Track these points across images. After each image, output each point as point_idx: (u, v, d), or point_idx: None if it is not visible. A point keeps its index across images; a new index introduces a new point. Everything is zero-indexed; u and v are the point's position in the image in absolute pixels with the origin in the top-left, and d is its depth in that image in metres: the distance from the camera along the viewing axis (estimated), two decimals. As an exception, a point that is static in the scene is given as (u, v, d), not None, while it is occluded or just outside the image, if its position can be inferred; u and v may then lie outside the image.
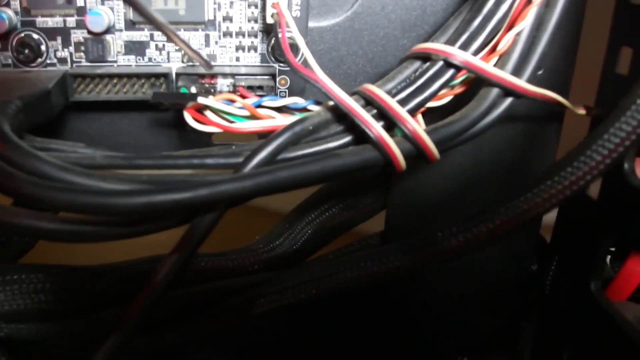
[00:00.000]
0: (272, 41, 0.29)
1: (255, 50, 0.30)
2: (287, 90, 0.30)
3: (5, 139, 0.22)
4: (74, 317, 0.30)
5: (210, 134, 0.30)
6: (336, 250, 0.34)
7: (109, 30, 0.29)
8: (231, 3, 0.29)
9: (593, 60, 0.34)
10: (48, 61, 0.29)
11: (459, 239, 0.27)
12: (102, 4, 0.28)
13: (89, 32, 0.29)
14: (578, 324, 0.34)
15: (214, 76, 0.29)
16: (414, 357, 0.39)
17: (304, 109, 0.27)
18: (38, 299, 0.30)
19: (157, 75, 0.29)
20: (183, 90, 0.28)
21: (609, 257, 0.33)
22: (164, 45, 0.29)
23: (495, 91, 0.26)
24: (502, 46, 0.27)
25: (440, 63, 0.26)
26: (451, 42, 0.26)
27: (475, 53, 0.26)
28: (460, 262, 0.29)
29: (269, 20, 0.27)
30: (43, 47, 0.29)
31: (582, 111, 0.32)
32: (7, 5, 0.28)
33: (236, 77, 0.29)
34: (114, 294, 0.30)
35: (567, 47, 0.32)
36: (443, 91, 0.27)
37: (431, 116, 0.27)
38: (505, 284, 0.37)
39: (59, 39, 0.29)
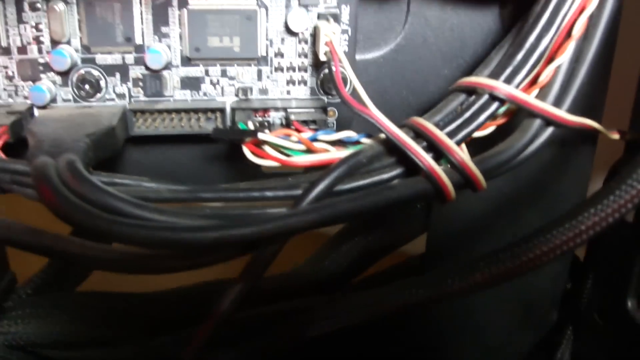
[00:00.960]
0: (322, 75, 0.31)
1: (305, 84, 0.31)
2: (335, 122, 0.31)
3: (81, 178, 0.24)
4: (133, 343, 0.31)
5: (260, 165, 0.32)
6: (380, 273, 0.35)
7: (166, 66, 0.30)
8: (282, 40, 0.30)
9: (627, 83, 0.35)
10: (107, 96, 0.31)
11: (499, 268, 0.28)
12: (160, 41, 0.30)
13: (147, 68, 0.30)
14: (613, 341, 0.36)
15: (266, 110, 0.30)
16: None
17: (357, 142, 0.28)
18: (97, 326, 0.31)
19: (213, 110, 0.30)
20: (241, 125, 0.30)
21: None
22: (218, 80, 0.31)
23: (537, 122, 0.27)
24: (543, 78, 0.28)
25: (486, 96, 0.27)
26: (495, 75, 0.27)
27: (518, 86, 0.27)
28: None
29: (322, 57, 0.29)
30: (102, 83, 0.30)
31: (616, 136, 0.33)
32: (69, 43, 0.30)
33: (288, 110, 0.30)
34: (171, 319, 0.31)
35: (601, 75, 0.33)
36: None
37: (473, 144, 0.28)
38: (541, 302, 0.38)
39: (118, 75, 0.30)
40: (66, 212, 0.23)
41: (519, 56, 0.27)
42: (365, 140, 0.28)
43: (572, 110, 0.28)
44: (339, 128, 0.31)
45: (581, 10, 0.27)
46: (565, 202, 0.33)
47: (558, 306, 0.38)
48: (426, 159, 0.26)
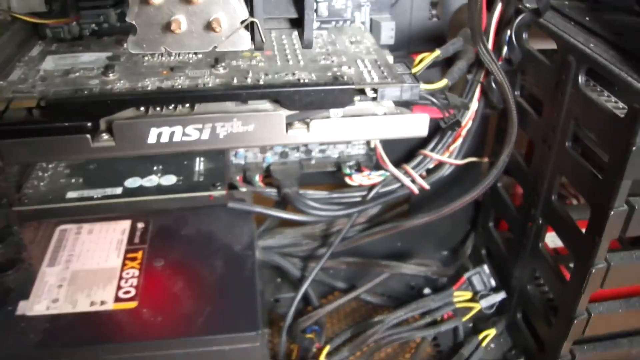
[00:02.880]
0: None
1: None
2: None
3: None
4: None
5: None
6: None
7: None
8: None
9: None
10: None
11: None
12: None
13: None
14: (489, 239, 0.86)
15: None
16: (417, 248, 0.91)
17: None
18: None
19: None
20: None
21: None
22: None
23: (447, 165, 0.76)
24: (451, 149, 0.76)
25: (427, 158, 0.76)
26: (431, 150, 0.76)
27: (440, 153, 0.76)
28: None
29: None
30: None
31: (486, 160, 0.82)
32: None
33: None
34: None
35: (479, 143, 0.81)
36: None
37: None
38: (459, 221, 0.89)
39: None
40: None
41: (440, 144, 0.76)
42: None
43: (465, 156, 0.76)
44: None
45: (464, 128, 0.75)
46: (469, 186, 0.81)
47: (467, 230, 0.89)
48: (405, 181, 0.74)
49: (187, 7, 0.48)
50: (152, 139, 0.51)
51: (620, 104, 0.56)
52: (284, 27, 0.59)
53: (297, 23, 0.57)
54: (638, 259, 0.58)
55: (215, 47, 0.49)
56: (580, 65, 0.57)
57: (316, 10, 0.67)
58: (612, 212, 0.53)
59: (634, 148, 0.49)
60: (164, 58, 0.57)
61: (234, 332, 0.56)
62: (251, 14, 0.49)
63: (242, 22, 0.49)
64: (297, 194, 0.72)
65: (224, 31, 0.48)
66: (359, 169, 0.76)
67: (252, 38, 0.50)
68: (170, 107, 0.51)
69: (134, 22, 0.48)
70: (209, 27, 0.48)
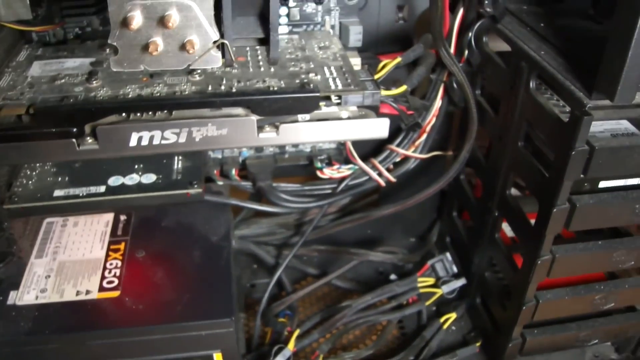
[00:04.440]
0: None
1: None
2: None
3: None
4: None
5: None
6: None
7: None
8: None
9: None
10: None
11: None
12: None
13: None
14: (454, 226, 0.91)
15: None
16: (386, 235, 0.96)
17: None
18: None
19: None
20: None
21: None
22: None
23: (411, 160, 0.81)
24: (416, 144, 0.81)
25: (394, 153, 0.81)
26: (397, 145, 0.80)
27: (406, 149, 0.81)
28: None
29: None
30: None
31: (450, 153, 0.86)
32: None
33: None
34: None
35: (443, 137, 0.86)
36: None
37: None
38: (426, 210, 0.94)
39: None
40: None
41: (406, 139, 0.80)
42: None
43: (430, 150, 0.81)
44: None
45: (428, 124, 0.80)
46: (434, 177, 0.86)
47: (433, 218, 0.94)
48: (373, 174, 0.79)
49: (163, 30, 0.52)
50: (133, 142, 0.55)
51: (568, 108, 0.61)
52: (252, 45, 0.63)
53: (264, 42, 0.62)
54: (581, 250, 0.63)
55: (189, 65, 0.54)
56: (532, 71, 0.62)
57: (288, 15, 0.71)
58: (555, 210, 0.58)
59: (573, 152, 0.54)
60: (143, 66, 0.60)
61: (210, 319, 0.61)
62: (222, 35, 0.54)
63: (214, 42, 0.53)
64: (270, 187, 0.77)
65: (197, 51, 0.53)
66: (329, 162, 0.80)
67: (223, 56, 0.55)
68: (150, 113, 0.55)
69: (115, 44, 0.53)
70: (183, 47, 0.53)
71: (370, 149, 0.81)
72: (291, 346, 0.73)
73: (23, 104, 0.54)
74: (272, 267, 0.87)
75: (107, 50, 0.64)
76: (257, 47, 0.64)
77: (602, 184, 0.61)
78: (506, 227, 0.81)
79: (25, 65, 0.62)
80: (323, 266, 0.93)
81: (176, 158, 0.70)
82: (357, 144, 0.78)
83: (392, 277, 0.90)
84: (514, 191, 0.72)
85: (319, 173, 0.79)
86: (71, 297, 0.63)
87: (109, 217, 0.72)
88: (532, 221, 0.64)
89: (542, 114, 0.60)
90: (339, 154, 0.81)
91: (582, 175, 0.56)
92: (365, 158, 0.78)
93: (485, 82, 0.76)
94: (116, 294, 0.63)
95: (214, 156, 0.78)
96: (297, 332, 0.76)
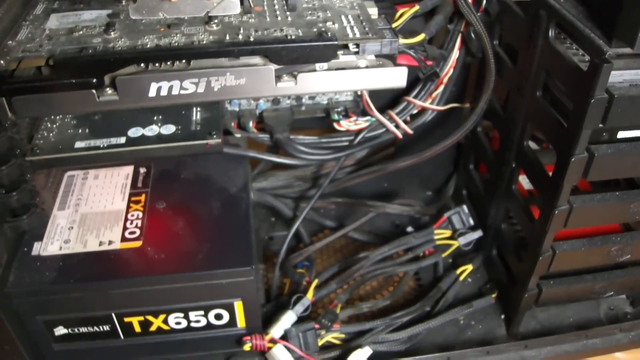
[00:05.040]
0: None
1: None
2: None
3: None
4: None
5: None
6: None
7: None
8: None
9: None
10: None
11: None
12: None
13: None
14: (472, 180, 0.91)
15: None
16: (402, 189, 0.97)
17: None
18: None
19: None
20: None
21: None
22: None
23: (429, 112, 0.81)
24: (433, 96, 0.81)
25: (411, 105, 0.80)
26: (414, 96, 0.80)
27: (423, 100, 0.80)
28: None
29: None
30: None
31: (467, 105, 0.86)
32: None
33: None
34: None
35: (460, 90, 0.85)
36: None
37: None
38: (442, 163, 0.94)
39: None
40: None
41: (423, 91, 0.80)
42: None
43: (447, 102, 0.81)
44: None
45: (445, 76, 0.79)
46: (451, 129, 0.86)
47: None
48: (390, 126, 0.79)
49: (182, -23, 0.52)
50: (152, 92, 0.55)
51: (587, 57, 0.60)
52: (271, -8, 0.63)
53: (282, -13, 0.62)
54: (599, 201, 0.63)
55: (208, 12, 0.53)
56: (551, 20, 0.61)
57: (305, -37, 0.70)
58: (573, 159, 0.58)
59: (592, 101, 0.54)
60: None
61: (231, 267, 0.62)
62: (240, -19, 0.54)
63: (233, -12, 0.53)
64: (288, 139, 0.77)
65: (216, -2, 0.53)
66: (346, 115, 0.80)
67: (242, 3, 0.55)
68: (168, 63, 0.56)
69: (135, -9, 0.53)
70: (202, -6, 0.53)
71: (387, 101, 0.81)
72: (310, 296, 0.74)
73: (42, 56, 0.54)
74: (290, 220, 0.88)
75: (123, 2, 0.63)
76: (274, -6, 0.64)
77: (621, 134, 0.60)
78: (522, 180, 0.81)
79: (42, 18, 0.62)
80: (340, 219, 0.93)
81: (194, 109, 0.70)
82: (373, 96, 0.78)
83: (409, 229, 0.90)
84: (531, 144, 0.72)
85: (336, 125, 0.79)
86: (94, 247, 0.64)
87: (129, 169, 0.73)
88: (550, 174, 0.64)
89: (561, 63, 0.60)
90: (356, 106, 0.81)
91: (600, 125, 0.56)
92: (381, 110, 0.78)
93: (503, 32, 0.75)
94: (138, 244, 0.64)
95: (231, 109, 0.78)
96: (315, 282, 0.77)
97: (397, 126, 0.77)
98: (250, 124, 0.78)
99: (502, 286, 0.80)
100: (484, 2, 0.71)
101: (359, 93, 0.81)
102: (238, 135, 0.77)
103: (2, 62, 0.54)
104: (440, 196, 0.96)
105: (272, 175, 0.88)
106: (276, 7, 0.62)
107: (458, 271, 0.82)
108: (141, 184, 0.71)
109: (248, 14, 0.58)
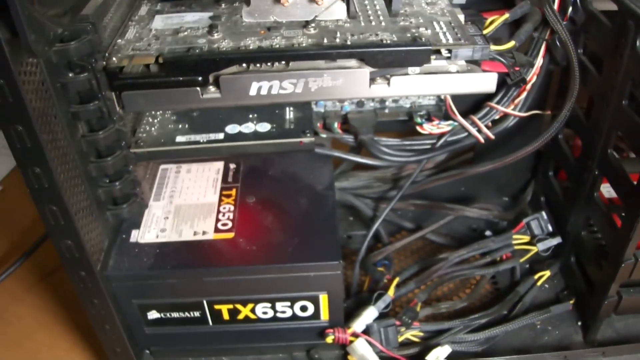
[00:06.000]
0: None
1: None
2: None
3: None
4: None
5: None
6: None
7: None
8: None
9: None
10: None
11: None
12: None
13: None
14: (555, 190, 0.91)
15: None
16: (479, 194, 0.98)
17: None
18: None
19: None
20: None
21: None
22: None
23: (511, 118, 0.82)
24: (515, 102, 0.81)
25: (494, 110, 0.81)
26: (497, 102, 0.81)
27: (505, 106, 0.81)
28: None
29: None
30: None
31: (549, 112, 0.87)
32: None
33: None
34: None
35: (542, 97, 0.86)
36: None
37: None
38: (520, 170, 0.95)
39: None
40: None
41: (505, 97, 0.81)
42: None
43: (529, 109, 0.81)
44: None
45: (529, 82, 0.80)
46: (531, 136, 0.86)
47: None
48: (472, 130, 0.80)
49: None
50: (253, 91, 0.58)
51: (675, 69, 0.61)
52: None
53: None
54: (685, 210, 0.63)
55: (316, 16, 0.56)
56: (638, 30, 0.62)
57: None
58: (660, 167, 0.59)
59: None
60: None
61: (319, 261, 0.65)
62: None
63: (339, -6, 0.56)
64: (372, 140, 0.79)
65: (324, 3, 0.55)
66: (429, 118, 0.81)
67: (347, 9, 0.57)
68: (269, 64, 0.59)
69: (249, -4, 0.56)
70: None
71: (468, 106, 0.82)
72: (391, 293, 0.76)
73: (152, 54, 0.58)
74: (369, 219, 0.90)
75: (223, 5, 0.67)
76: (367, 2, 0.66)
77: None
78: (603, 188, 0.81)
79: (147, 19, 0.66)
80: (417, 220, 0.95)
81: (287, 109, 0.73)
82: (455, 101, 0.79)
83: (487, 233, 0.91)
84: (611, 153, 0.72)
85: (419, 128, 0.80)
86: (189, 236, 0.67)
87: (220, 165, 0.77)
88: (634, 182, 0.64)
89: (649, 74, 0.60)
90: (438, 110, 0.83)
91: (687, 134, 0.56)
92: (464, 115, 0.79)
93: (588, 40, 0.76)
94: (231, 235, 0.67)
95: (316, 110, 0.81)
96: (396, 280, 0.79)
97: (479, 131, 0.78)
98: (335, 124, 0.80)
99: (580, 293, 0.80)
100: (570, 10, 0.72)
101: (442, 97, 0.82)
102: (324, 136, 0.80)
103: (114, 59, 0.58)
104: (516, 203, 0.97)
105: (353, 176, 0.91)
106: (369, 12, 0.65)
107: (535, 277, 0.83)
108: (231, 179, 0.75)
109: (353, 19, 0.60)
